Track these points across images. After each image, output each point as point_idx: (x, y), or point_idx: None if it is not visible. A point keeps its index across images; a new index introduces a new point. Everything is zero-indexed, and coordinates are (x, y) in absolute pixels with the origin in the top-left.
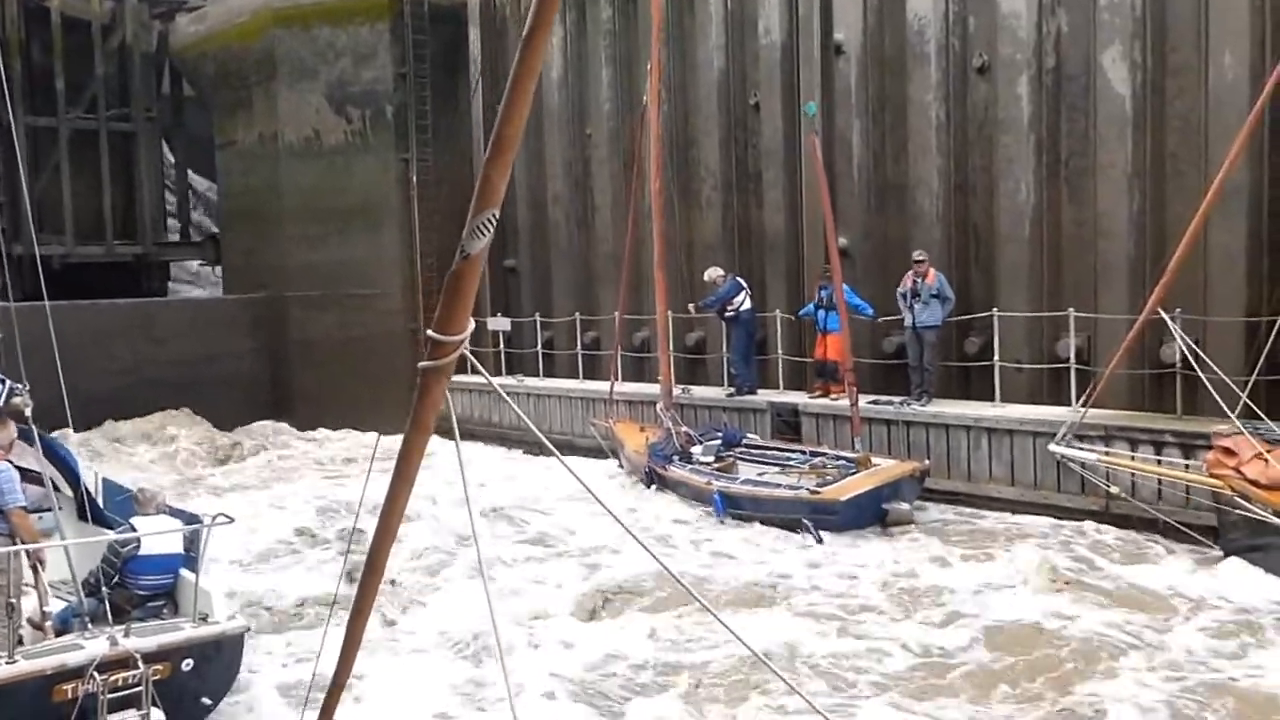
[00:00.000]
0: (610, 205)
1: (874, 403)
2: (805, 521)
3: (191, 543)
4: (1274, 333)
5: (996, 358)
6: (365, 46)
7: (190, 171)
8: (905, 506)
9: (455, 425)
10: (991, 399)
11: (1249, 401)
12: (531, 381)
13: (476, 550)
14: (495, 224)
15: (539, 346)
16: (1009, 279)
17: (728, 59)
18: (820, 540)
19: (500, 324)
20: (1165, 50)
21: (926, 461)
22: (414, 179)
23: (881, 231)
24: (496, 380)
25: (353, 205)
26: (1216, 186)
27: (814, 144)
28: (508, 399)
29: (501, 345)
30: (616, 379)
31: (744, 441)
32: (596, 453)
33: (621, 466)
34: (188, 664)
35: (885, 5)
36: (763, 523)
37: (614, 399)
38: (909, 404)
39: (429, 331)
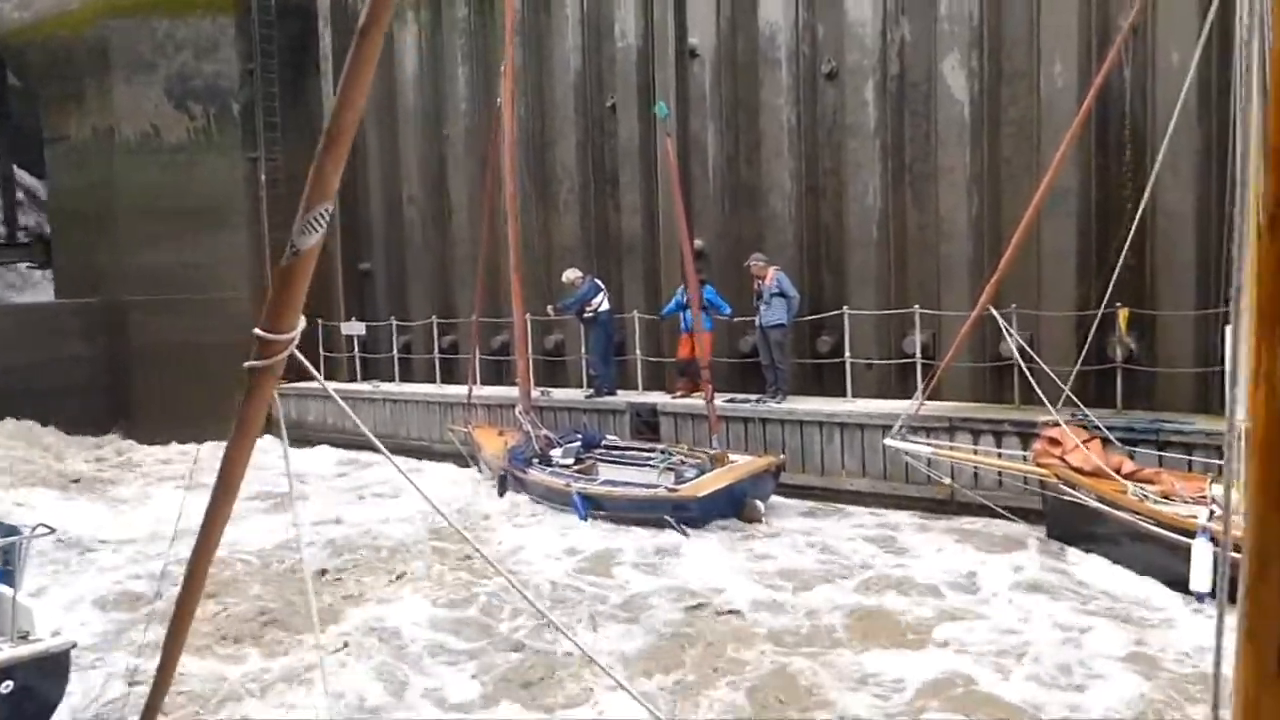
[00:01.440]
0: (468, 207)
1: (730, 401)
2: (668, 518)
3: (8, 556)
4: (1094, 326)
5: (848, 355)
6: (207, 39)
7: (16, 168)
8: (759, 503)
9: (284, 427)
10: (844, 394)
11: (1070, 394)
12: (388, 387)
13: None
14: (328, 218)
15: (395, 351)
16: (858, 279)
17: (584, 60)
18: (686, 534)
19: (354, 328)
20: (1000, 59)
21: (782, 456)
22: (263, 178)
23: (736, 233)
24: (351, 386)
25: (198, 205)
26: (1044, 189)
27: (669, 146)
28: (334, 395)
29: (356, 350)
30: (475, 383)
31: (604, 443)
32: (456, 458)
33: (481, 472)
34: (7, 685)
35: (737, 11)
36: (619, 522)
37: (473, 403)
38: (764, 401)
39: (256, 330)
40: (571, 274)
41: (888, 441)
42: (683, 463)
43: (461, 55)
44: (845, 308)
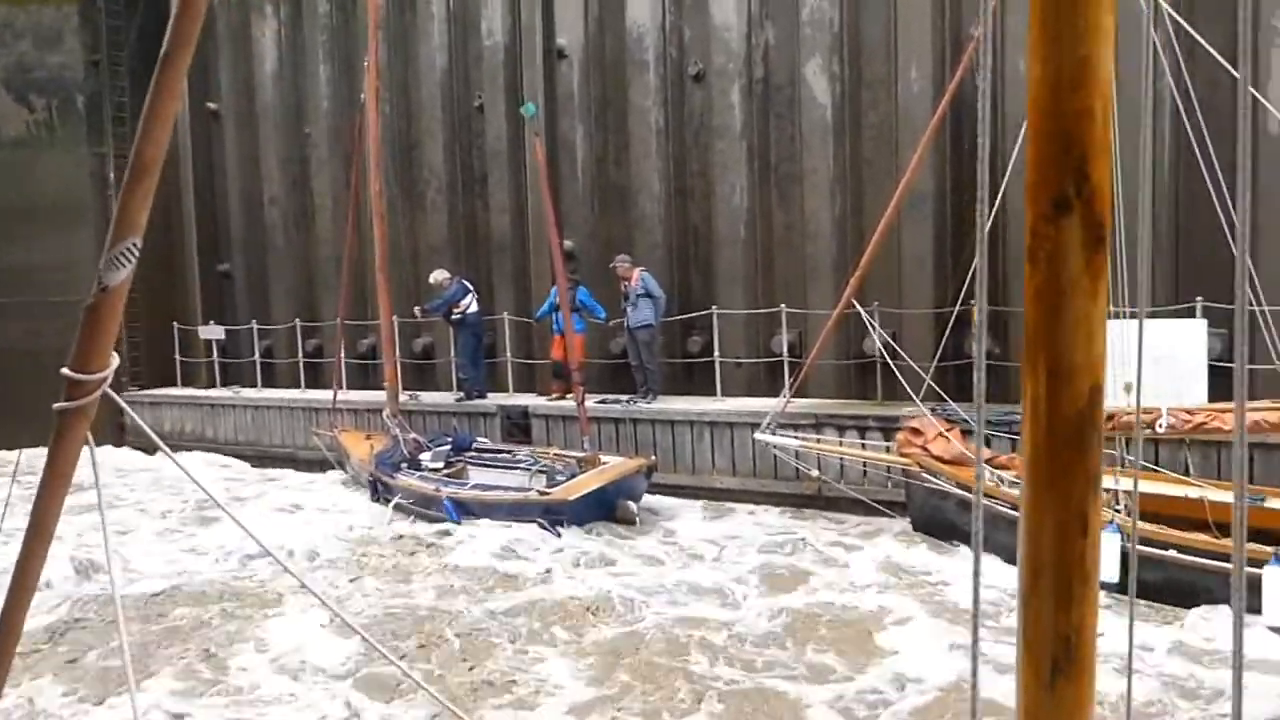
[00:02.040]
0: (331, 207)
1: (602, 402)
2: (540, 520)
3: None
4: (951, 323)
5: (717, 354)
6: (49, 29)
7: None
8: (632, 505)
9: (97, 471)
10: (714, 394)
11: (934, 385)
12: (249, 393)
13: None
14: (137, 253)
15: (257, 355)
16: (727, 279)
17: (450, 59)
18: (559, 535)
19: (213, 332)
20: (860, 64)
21: (654, 456)
22: (111, 175)
23: (606, 233)
24: (211, 392)
25: (39, 203)
26: (900, 191)
27: (537, 145)
28: (140, 421)
29: (215, 355)
30: (340, 387)
31: (474, 446)
32: (323, 465)
33: (348, 478)
34: None
35: (605, 12)
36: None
37: (338, 408)
38: (635, 402)
39: (64, 370)
40: (439, 275)
41: (758, 435)
42: (554, 465)
43: (323, 52)
44: (714, 307)
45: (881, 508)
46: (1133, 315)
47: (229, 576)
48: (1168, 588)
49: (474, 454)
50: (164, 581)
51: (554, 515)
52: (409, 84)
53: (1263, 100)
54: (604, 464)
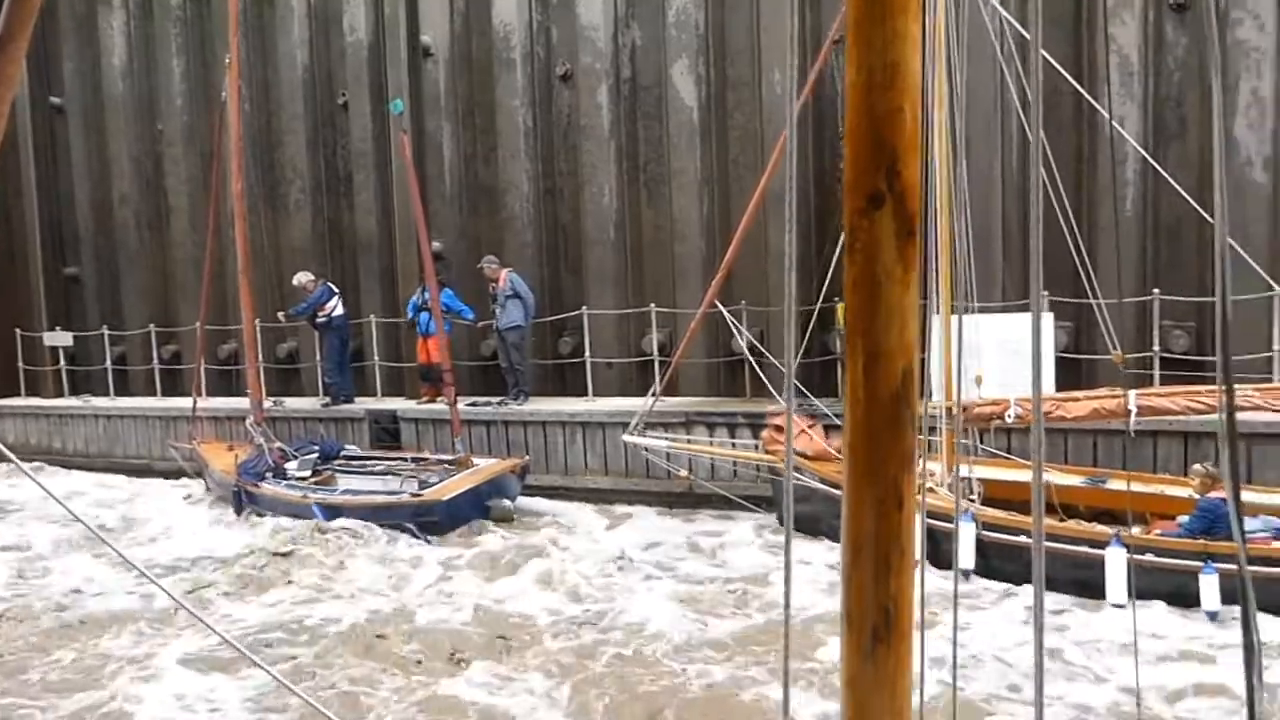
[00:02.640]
0: (188, 207)
1: (473, 404)
2: (408, 525)
3: None
4: (814, 320)
5: (588, 354)
6: None
7: None
8: (507, 503)
9: None
10: (585, 394)
11: (798, 382)
12: (100, 401)
13: None
14: None
15: (109, 362)
16: (597, 279)
17: (312, 56)
18: (429, 541)
19: (59, 339)
20: (725, 66)
21: (526, 457)
22: None
23: (475, 234)
24: (59, 402)
25: None
26: (760, 191)
27: (403, 142)
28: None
29: (63, 362)
30: (200, 395)
31: (342, 453)
32: (179, 474)
33: (209, 490)
34: None
35: (471, 10)
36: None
37: (198, 416)
38: (506, 403)
39: None
40: (303, 277)
41: (625, 437)
42: (426, 468)
43: (176, 45)
44: (584, 308)
45: (749, 504)
46: (982, 311)
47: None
48: (1017, 570)
49: (342, 461)
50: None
51: (425, 517)
52: (269, 80)
53: (1095, 103)
54: (475, 466)
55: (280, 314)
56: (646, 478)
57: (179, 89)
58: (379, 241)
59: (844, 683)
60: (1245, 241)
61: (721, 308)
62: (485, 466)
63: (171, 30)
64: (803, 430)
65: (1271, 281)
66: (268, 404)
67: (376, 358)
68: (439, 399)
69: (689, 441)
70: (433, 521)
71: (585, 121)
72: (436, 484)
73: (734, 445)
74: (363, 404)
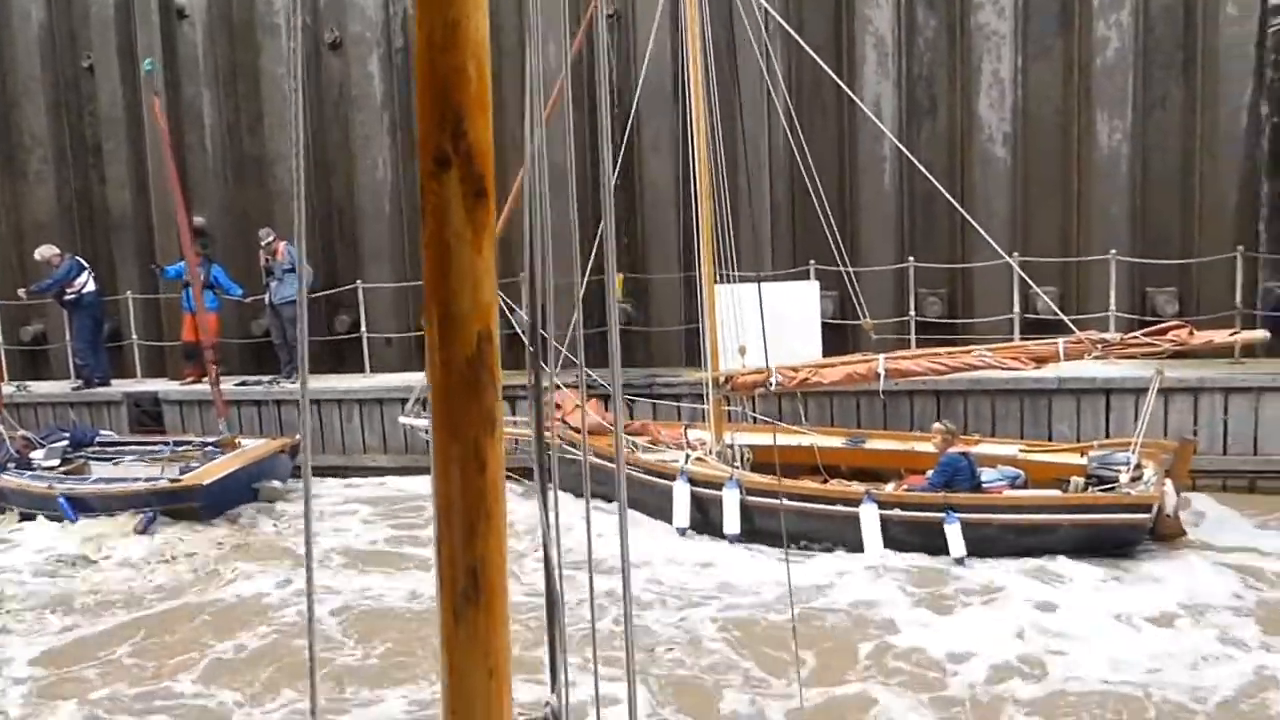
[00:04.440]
0: None
1: (242, 384)
2: (143, 512)
3: None
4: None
5: (364, 330)
6: None
7: None
8: (277, 484)
9: None
10: (363, 371)
11: (570, 355)
12: None
13: None
14: None
15: None
16: (373, 254)
17: (50, 13)
18: (147, 531)
19: None
20: (500, 37)
21: (297, 436)
22: None
23: (242, 207)
24: None
25: None
26: (525, 169)
27: (156, 106)
28: None
29: None
30: None
31: (97, 439)
32: None
33: None
34: None
35: None
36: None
37: None
38: (278, 382)
39: None
40: (46, 251)
41: (401, 419)
42: (188, 453)
43: None
44: (359, 282)
45: (520, 478)
46: (744, 281)
47: None
48: (779, 532)
49: (97, 448)
50: None
51: (186, 502)
52: (1, 38)
53: (854, 96)
54: (242, 447)
55: (20, 291)
56: (425, 454)
57: None
58: (134, 215)
59: (441, 645)
60: (989, 213)
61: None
62: (252, 448)
63: None
64: (576, 406)
65: (1001, 250)
66: (9, 389)
67: (135, 337)
68: (203, 379)
69: None
70: (195, 507)
71: (356, 92)
72: (198, 468)
73: (514, 423)
74: (120, 386)
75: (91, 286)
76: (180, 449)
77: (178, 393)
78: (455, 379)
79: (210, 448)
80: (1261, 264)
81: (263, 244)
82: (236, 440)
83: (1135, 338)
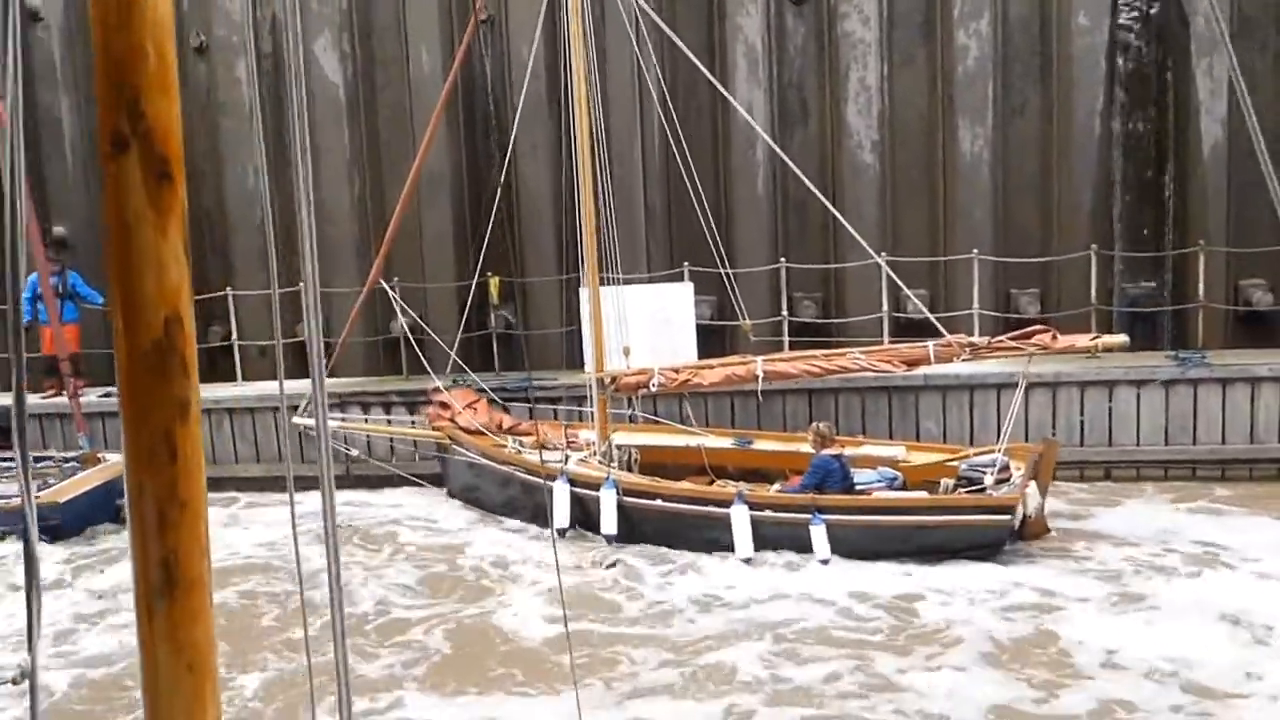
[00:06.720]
0: None
1: (107, 396)
2: (12, 531)
3: None
4: (470, 297)
5: (235, 338)
6: None
7: None
8: None
9: None
10: (235, 379)
11: (457, 361)
12: None
13: None
14: None
15: None
16: (244, 262)
17: None
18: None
19: None
20: (372, 44)
21: None
22: None
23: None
24: None
25: None
26: (415, 171)
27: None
28: None
29: None
30: None
31: None
32: None
33: None
34: None
35: None
36: None
37: None
38: None
39: None
40: None
41: (295, 420)
42: (46, 469)
43: None
44: (229, 289)
45: (417, 480)
46: (626, 283)
47: None
48: (656, 532)
49: None
50: None
51: (42, 520)
52: None
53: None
54: (106, 462)
55: None
56: (301, 462)
57: None
58: None
59: (140, 635)
60: (858, 217)
61: (385, 284)
62: (115, 462)
63: None
64: (466, 406)
65: (872, 252)
66: None
67: None
68: (65, 392)
69: (345, 422)
70: (53, 525)
71: (224, 98)
72: (55, 485)
73: (389, 424)
74: None
75: None
76: (39, 465)
77: (37, 406)
78: (140, 364)
79: (71, 463)
80: (1116, 262)
81: None
82: (99, 455)
83: (1001, 341)
